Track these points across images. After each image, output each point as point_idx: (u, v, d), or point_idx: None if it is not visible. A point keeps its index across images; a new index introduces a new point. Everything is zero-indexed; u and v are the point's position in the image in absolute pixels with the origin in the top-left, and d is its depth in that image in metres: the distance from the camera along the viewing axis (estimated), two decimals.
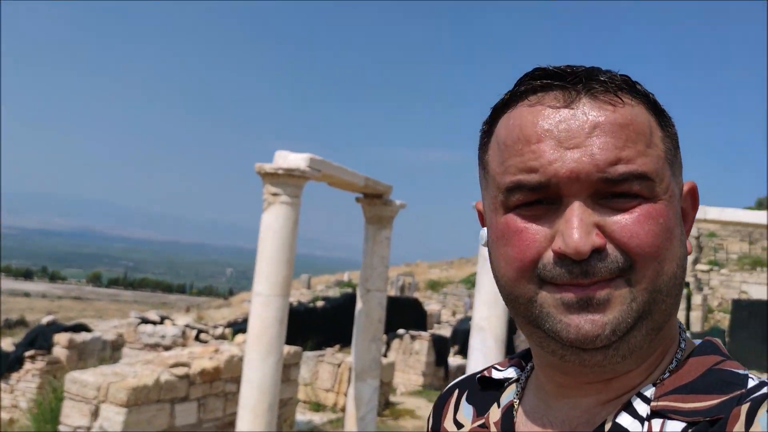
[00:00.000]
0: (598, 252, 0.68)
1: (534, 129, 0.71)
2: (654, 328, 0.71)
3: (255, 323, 7.00)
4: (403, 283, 30.53)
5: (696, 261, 32.25)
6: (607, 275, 0.68)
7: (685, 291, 29.12)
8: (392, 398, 13.67)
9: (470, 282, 34.77)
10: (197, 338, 10.65)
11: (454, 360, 16.88)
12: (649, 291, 0.69)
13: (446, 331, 18.59)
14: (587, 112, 0.70)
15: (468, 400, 0.92)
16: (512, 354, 0.95)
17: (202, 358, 8.52)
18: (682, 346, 0.77)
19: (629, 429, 0.70)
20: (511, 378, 0.88)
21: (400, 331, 16.04)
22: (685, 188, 0.78)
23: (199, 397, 8.19)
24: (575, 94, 0.71)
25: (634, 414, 0.71)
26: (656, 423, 0.70)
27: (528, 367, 0.88)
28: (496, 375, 0.90)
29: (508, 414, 0.83)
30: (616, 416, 0.72)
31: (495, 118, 0.78)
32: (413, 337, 15.76)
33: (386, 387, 12.76)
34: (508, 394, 0.86)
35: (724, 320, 29.08)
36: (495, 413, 0.85)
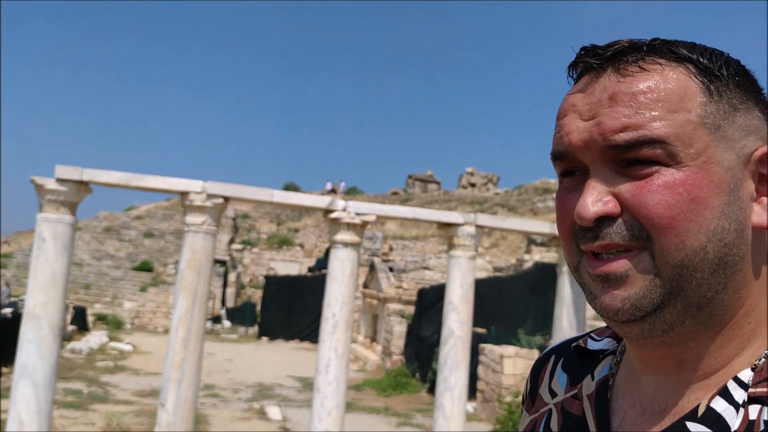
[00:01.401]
0: (609, 219, 0.69)
1: (564, 106, 0.75)
2: (692, 304, 0.69)
3: None
4: None
5: (232, 241, 34.22)
6: (619, 240, 0.68)
7: (222, 269, 30.69)
8: None
9: None
10: None
11: None
12: (672, 266, 0.67)
13: None
14: (607, 86, 0.71)
15: (563, 368, 0.90)
16: None
17: None
18: None
19: (723, 414, 0.67)
20: (606, 350, 0.86)
21: None
22: (757, 154, 0.70)
23: None
24: (602, 71, 0.72)
25: (730, 399, 0.68)
26: (753, 409, 0.66)
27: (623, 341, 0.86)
28: (591, 345, 0.88)
29: (603, 388, 0.81)
30: (710, 400, 0.69)
31: None
32: None
33: None
34: (603, 368, 0.84)
35: (255, 295, 31.56)
36: (589, 385, 0.83)
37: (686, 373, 0.73)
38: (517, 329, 17.23)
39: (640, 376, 0.77)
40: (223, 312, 29.61)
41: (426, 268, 21.72)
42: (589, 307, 11.09)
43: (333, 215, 7.90)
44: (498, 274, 20.48)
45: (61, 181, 7.54)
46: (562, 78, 0.78)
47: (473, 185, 47.86)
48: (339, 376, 8.28)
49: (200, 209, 7.70)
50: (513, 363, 13.91)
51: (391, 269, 21.65)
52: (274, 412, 14.02)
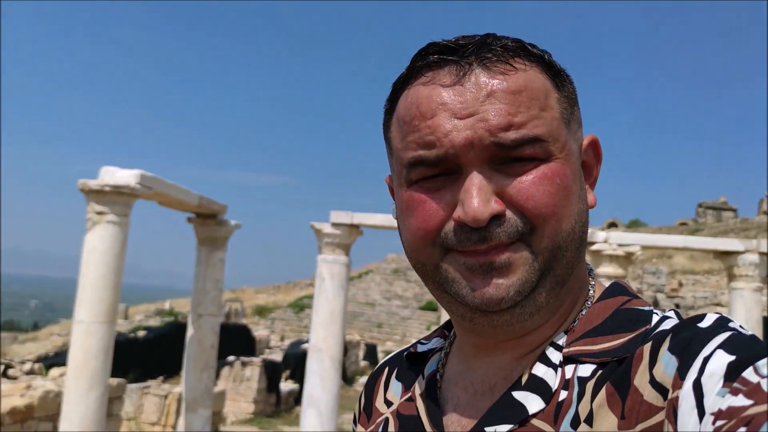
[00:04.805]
0: (497, 218, 0.70)
1: (429, 105, 0.72)
2: (558, 282, 0.74)
3: (77, 354, 6.42)
4: (230, 309, 29.68)
5: None
6: (506, 239, 0.70)
7: None
8: (222, 428, 13.16)
9: (298, 306, 34.55)
10: (5, 374, 9.61)
11: (286, 385, 16.60)
12: (549, 249, 0.71)
13: (277, 356, 18.25)
14: (480, 83, 0.71)
15: (397, 378, 0.93)
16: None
17: (11, 395, 7.68)
18: (591, 292, 0.80)
19: (544, 377, 0.73)
20: (435, 348, 0.91)
21: (230, 358, 15.52)
22: (585, 142, 0.80)
23: None
24: (468, 67, 0.72)
25: (548, 362, 0.74)
26: (569, 368, 0.72)
27: (451, 335, 0.91)
28: (420, 349, 0.92)
29: (431, 383, 0.85)
30: (531, 368, 0.74)
31: (395, 96, 0.79)
32: (244, 364, 15.30)
33: (216, 417, 12.26)
34: (431, 364, 0.88)
35: None
36: (421, 384, 0.86)
37: (520, 350, 0.77)
38: None
39: (473, 361, 0.81)
40: None
41: (718, 304, 19.65)
42: None
43: (593, 247, 7.61)
44: None
45: (335, 225, 8.29)
46: None
47: None
48: None
49: None
50: None
51: (677, 306, 19.96)
52: None
